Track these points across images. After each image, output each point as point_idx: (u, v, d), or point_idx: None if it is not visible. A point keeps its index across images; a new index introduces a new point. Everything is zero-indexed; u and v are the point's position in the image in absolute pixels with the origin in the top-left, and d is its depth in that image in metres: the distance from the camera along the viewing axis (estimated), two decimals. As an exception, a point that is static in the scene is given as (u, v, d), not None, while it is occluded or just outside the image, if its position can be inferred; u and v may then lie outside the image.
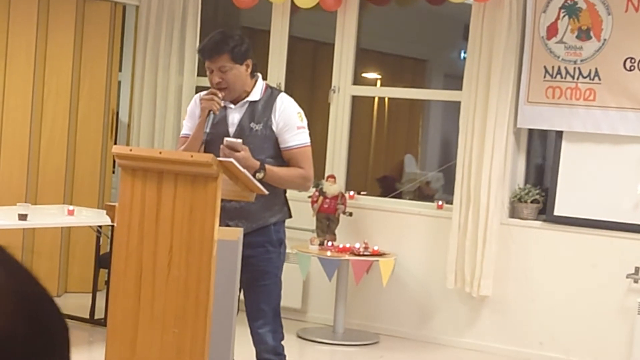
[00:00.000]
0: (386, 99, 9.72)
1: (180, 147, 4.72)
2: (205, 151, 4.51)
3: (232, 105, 4.68)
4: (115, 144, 8.44)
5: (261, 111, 4.65)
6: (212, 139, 4.53)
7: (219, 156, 4.22)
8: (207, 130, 4.51)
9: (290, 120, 4.63)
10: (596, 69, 6.71)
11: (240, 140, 4.46)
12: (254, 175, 4.32)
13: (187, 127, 4.78)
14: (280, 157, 4.64)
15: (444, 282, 7.13)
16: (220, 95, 4.56)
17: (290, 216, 4.79)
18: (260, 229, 4.63)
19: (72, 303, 7.70)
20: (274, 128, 4.62)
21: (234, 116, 4.67)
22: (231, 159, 4.12)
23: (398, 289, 7.38)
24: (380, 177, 9.87)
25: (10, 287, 1.04)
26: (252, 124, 4.63)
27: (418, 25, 9.77)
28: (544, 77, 6.88)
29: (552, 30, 6.86)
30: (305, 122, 4.71)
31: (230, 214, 4.51)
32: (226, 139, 4.48)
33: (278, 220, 4.71)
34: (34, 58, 7.80)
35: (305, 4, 7.56)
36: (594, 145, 6.81)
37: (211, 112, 4.53)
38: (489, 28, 6.98)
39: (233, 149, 4.40)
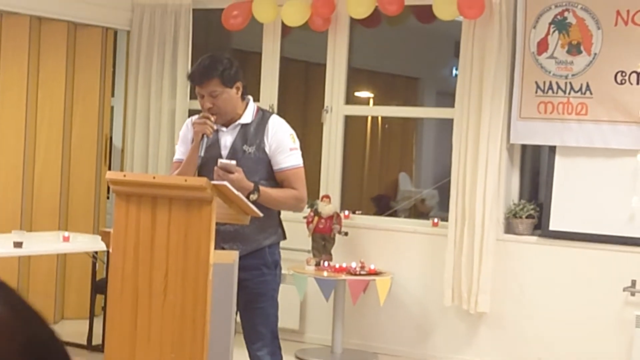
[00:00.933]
0: (379, 118, 9.74)
1: (174, 172, 4.73)
2: (198, 175, 4.52)
3: (224, 128, 4.68)
4: (109, 169, 8.43)
5: (253, 133, 4.66)
6: (205, 163, 4.54)
7: (212, 179, 4.23)
8: (201, 154, 4.52)
9: (282, 142, 4.64)
10: (587, 83, 6.73)
11: (234, 162, 4.47)
12: (247, 197, 4.32)
13: (180, 151, 4.78)
14: (274, 179, 4.64)
15: (441, 299, 7.12)
16: (212, 118, 4.57)
17: (284, 238, 4.79)
18: (255, 251, 4.63)
19: (69, 329, 7.67)
20: (266, 150, 4.63)
21: (226, 139, 4.68)
22: (225, 182, 4.12)
23: (395, 308, 7.37)
24: (375, 196, 9.87)
25: (18, 328, 1.05)
26: (244, 147, 4.64)
27: (409, 43, 9.80)
28: (536, 92, 6.90)
29: (542, 46, 6.89)
30: (297, 144, 4.71)
31: (224, 237, 4.51)
32: (220, 160, 4.48)
33: (272, 243, 4.71)
34: (26, 85, 7.80)
35: (294, 22, 7.59)
36: (588, 159, 6.82)
37: (204, 136, 4.54)
38: (479, 45, 7.00)
39: (227, 170, 4.41)
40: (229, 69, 4.60)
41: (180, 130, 4.97)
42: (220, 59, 4.66)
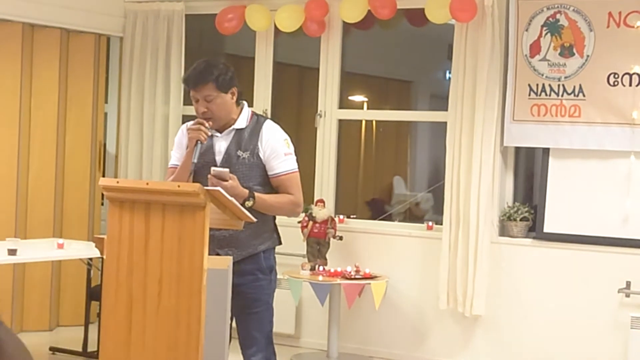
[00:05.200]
0: (373, 122, 9.74)
1: (169, 178, 4.72)
2: (193, 180, 4.51)
3: (218, 134, 4.68)
4: (104, 175, 8.43)
5: (248, 139, 4.65)
6: (199, 168, 4.53)
7: (207, 184, 4.22)
8: (195, 160, 4.51)
9: (276, 148, 4.64)
10: (580, 85, 6.74)
11: (227, 170, 4.46)
12: (243, 204, 4.32)
13: (175, 157, 4.78)
14: (269, 184, 4.64)
15: (437, 302, 7.12)
16: (207, 124, 4.56)
17: (280, 243, 4.79)
18: (250, 256, 4.63)
19: (65, 336, 7.67)
20: (261, 155, 4.63)
21: (221, 144, 4.67)
22: (218, 188, 4.12)
23: (391, 311, 7.37)
24: (370, 200, 9.86)
25: None
26: (239, 152, 4.63)
27: (402, 46, 9.81)
28: (529, 95, 6.91)
29: (535, 48, 6.90)
30: (292, 149, 4.71)
31: (219, 243, 4.51)
32: (213, 168, 4.47)
33: (267, 248, 4.70)
34: (19, 92, 7.79)
35: (288, 28, 7.59)
36: (581, 161, 6.83)
37: (198, 142, 4.53)
38: (472, 48, 7.00)
39: (221, 178, 4.40)
40: (224, 74, 4.60)
41: (174, 136, 4.96)
42: (216, 64, 4.66)
